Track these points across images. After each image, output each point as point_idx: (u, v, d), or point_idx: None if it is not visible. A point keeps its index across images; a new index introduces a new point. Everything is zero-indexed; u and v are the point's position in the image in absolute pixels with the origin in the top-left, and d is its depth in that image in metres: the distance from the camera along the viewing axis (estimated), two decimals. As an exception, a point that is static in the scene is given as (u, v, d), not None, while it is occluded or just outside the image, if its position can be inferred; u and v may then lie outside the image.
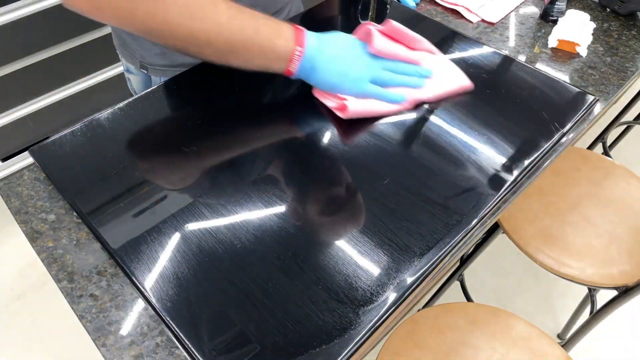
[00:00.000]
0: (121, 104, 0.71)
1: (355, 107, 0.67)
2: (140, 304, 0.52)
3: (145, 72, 0.82)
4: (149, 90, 0.74)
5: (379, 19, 0.90)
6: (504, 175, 0.63)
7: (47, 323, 1.43)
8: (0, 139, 1.49)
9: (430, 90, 0.71)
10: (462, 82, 0.73)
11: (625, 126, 1.69)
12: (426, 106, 0.72)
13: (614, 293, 0.94)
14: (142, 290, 0.51)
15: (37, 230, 0.59)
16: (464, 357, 0.79)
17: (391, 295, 0.51)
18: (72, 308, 0.52)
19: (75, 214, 0.60)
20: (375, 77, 0.67)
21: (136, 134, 0.69)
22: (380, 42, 0.68)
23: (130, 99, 0.72)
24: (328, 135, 0.68)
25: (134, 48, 0.81)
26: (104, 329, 0.50)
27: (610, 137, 1.64)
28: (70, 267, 0.55)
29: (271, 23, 0.61)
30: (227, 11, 0.58)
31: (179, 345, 0.48)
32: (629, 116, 1.53)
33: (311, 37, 0.63)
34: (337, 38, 0.66)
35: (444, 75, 0.73)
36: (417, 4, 0.95)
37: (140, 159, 0.65)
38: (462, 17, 0.93)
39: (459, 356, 0.79)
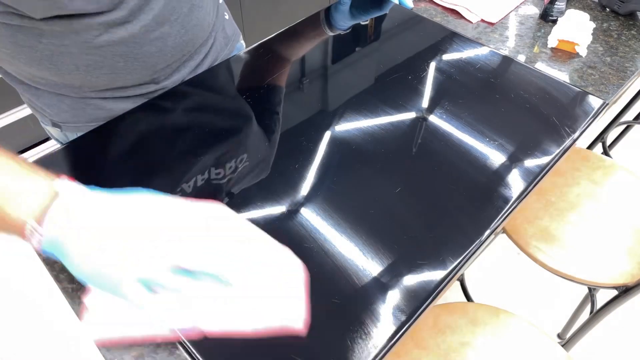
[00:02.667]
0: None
1: (98, 332, 0.46)
2: (140, 304, 0.52)
3: (59, 129, 0.77)
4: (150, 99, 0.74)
5: (378, 20, 0.90)
6: (515, 183, 0.62)
7: (48, 323, 1.43)
8: (0, 140, 1.49)
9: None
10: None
11: (625, 126, 1.69)
12: (436, 112, 0.72)
13: (614, 293, 0.94)
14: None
15: (38, 230, 0.59)
16: (464, 357, 0.79)
17: (403, 313, 0.50)
18: (73, 309, 0.52)
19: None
20: (151, 278, 0.40)
21: (136, 143, 0.69)
22: None
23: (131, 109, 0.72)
24: (334, 144, 0.68)
25: (42, 108, 0.74)
26: (104, 329, 0.50)
27: (610, 137, 1.64)
28: (70, 267, 0.55)
29: (13, 180, 0.41)
30: None
31: (179, 345, 0.48)
32: (629, 116, 1.53)
33: (60, 210, 0.40)
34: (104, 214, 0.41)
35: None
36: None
37: (140, 167, 0.65)
38: (462, 17, 0.93)
39: (459, 356, 0.79)
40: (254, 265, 0.43)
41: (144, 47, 0.67)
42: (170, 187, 0.60)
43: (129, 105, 0.73)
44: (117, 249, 0.40)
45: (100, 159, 0.67)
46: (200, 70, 0.78)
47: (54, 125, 0.76)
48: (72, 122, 0.74)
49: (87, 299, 0.46)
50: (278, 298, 0.43)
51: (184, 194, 0.60)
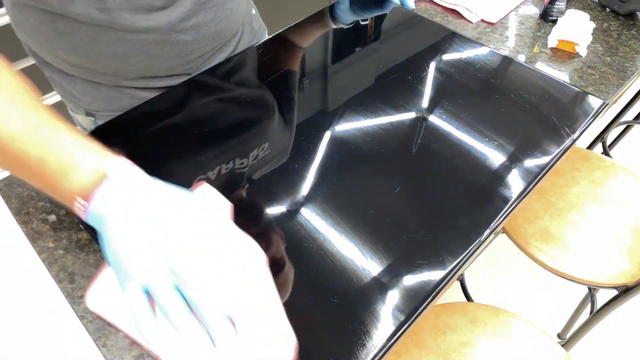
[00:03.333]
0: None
1: (96, 302, 0.44)
2: (140, 304, 0.52)
3: (93, 118, 0.77)
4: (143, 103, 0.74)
5: (378, 20, 0.90)
6: (515, 183, 0.62)
7: (47, 323, 1.43)
8: (0, 140, 1.49)
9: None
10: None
11: (625, 126, 1.69)
12: (436, 112, 0.72)
13: (614, 293, 0.94)
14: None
15: (38, 230, 0.59)
16: (464, 356, 0.79)
17: (403, 313, 0.50)
18: (73, 308, 0.52)
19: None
20: (151, 287, 0.40)
21: (140, 140, 0.69)
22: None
23: (129, 111, 0.72)
24: (334, 144, 0.68)
25: (77, 96, 0.75)
26: (104, 329, 0.50)
27: (610, 137, 1.64)
28: (70, 267, 0.55)
29: (67, 154, 0.43)
30: (13, 125, 0.43)
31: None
32: (629, 116, 1.53)
33: (107, 192, 0.42)
34: (148, 205, 0.42)
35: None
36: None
37: (164, 153, 0.65)
38: (462, 17, 0.93)
39: (459, 356, 0.79)
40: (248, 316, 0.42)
41: (180, 35, 0.68)
42: (196, 173, 0.61)
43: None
44: (142, 247, 0.41)
45: (125, 145, 0.67)
46: None
47: (88, 114, 0.77)
48: (106, 111, 0.76)
49: (103, 274, 0.46)
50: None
51: (208, 180, 0.61)
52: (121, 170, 0.44)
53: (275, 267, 0.52)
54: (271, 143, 0.66)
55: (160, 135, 0.68)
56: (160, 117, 0.71)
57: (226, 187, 0.60)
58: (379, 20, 0.90)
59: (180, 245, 0.41)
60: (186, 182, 0.60)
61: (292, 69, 0.81)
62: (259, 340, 0.42)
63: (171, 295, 0.40)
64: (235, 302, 0.41)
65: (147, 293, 0.41)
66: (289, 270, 0.53)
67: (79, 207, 0.43)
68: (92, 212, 0.43)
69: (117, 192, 0.43)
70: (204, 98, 0.73)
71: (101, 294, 0.45)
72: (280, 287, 0.45)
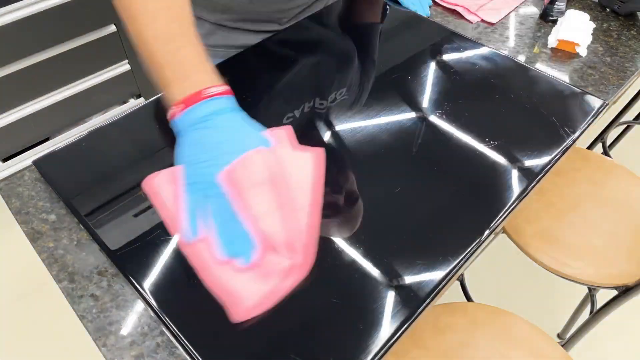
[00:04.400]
0: (118, 118, 0.71)
1: (152, 186, 0.51)
2: (140, 303, 0.52)
3: None
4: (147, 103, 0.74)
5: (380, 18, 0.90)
6: (515, 183, 0.62)
7: (47, 323, 1.43)
8: (0, 139, 1.49)
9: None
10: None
11: (625, 126, 1.69)
12: (436, 112, 0.72)
13: (614, 293, 0.94)
14: (142, 292, 0.51)
15: (38, 230, 0.59)
16: (464, 357, 0.79)
17: (403, 313, 0.50)
18: (73, 308, 0.52)
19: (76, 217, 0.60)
20: (196, 198, 0.48)
21: (140, 141, 0.69)
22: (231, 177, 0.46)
23: (129, 112, 0.72)
24: (334, 144, 0.68)
25: None
26: (104, 329, 0.50)
27: (610, 137, 1.64)
28: (70, 267, 0.55)
29: (184, 64, 0.51)
30: (158, 29, 0.52)
31: (179, 346, 0.48)
32: (629, 116, 1.53)
33: (194, 111, 0.49)
34: (213, 128, 0.49)
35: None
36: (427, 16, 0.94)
37: (145, 167, 0.65)
38: (462, 17, 0.93)
39: (459, 356, 0.79)
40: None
41: None
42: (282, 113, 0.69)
43: (251, 39, 0.83)
44: (197, 166, 0.48)
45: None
46: None
47: None
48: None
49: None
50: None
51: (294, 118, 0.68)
52: (216, 96, 0.50)
53: (349, 200, 0.59)
54: (348, 89, 0.74)
55: (257, 76, 0.78)
56: (257, 63, 0.80)
57: (306, 124, 0.68)
58: (381, 18, 0.90)
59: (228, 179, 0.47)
60: (274, 114, 0.69)
61: (373, 30, 0.89)
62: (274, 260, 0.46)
63: (210, 207, 0.47)
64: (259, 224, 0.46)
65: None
66: (360, 206, 0.58)
67: (171, 112, 0.50)
68: (177, 122, 0.50)
69: (200, 115, 0.49)
70: (292, 48, 0.82)
71: (159, 182, 0.51)
72: (352, 219, 0.55)
